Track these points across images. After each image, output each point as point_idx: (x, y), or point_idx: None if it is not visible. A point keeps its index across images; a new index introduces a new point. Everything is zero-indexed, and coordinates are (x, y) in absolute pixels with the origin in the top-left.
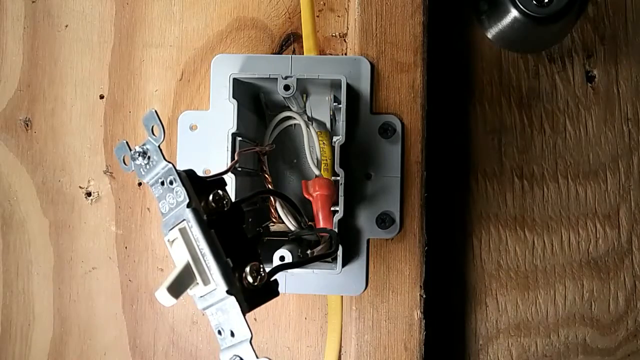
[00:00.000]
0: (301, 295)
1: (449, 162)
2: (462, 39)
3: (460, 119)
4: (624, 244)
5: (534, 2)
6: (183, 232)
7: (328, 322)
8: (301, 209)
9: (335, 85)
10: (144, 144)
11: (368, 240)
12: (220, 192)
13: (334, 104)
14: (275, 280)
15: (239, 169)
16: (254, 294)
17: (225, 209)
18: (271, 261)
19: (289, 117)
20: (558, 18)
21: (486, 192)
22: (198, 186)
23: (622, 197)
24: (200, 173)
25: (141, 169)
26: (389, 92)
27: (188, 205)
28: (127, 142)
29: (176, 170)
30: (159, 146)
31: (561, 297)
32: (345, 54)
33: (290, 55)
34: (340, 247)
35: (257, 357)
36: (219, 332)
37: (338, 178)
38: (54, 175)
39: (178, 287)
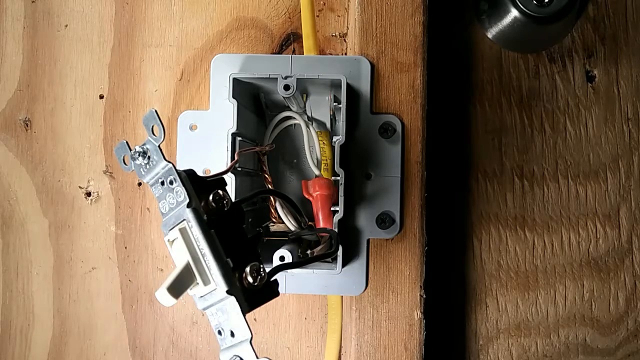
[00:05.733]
0: (301, 295)
1: (449, 162)
2: (462, 39)
3: (460, 119)
4: (624, 244)
5: (534, 2)
6: (183, 232)
7: (328, 322)
8: (301, 209)
9: (335, 85)
10: (144, 144)
11: (368, 240)
12: (220, 192)
13: (334, 103)
14: (276, 280)
15: (239, 169)
16: (254, 294)
17: (226, 209)
18: (271, 261)
19: (289, 117)
20: (558, 18)
21: (486, 192)
22: (198, 186)
23: (623, 197)
24: (200, 173)
25: (141, 169)
26: (389, 92)
27: (188, 205)
28: (127, 142)
29: (176, 170)
30: (159, 146)
31: (561, 297)
32: (345, 54)
33: (290, 55)
34: (340, 247)
35: (257, 357)
36: (219, 332)
37: (338, 178)
38: (53, 175)
39: (178, 287)
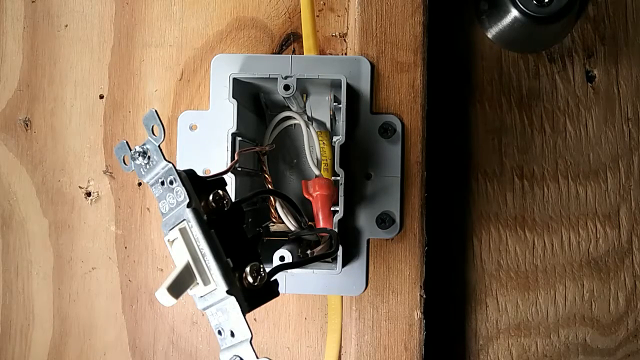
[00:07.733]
0: (301, 295)
1: (449, 162)
2: (462, 39)
3: (460, 119)
4: (624, 244)
5: (534, 2)
6: (183, 232)
7: (328, 322)
8: (301, 209)
9: (335, 85)
10: (144, 144)
11: (368, 240)
12: (220, 192)
13: (334, 103)
14: (276, 280)
15: (239, 169)
16: (254, 294)
17: (226, 209)
18: (271, 261)
19: (289, 117)
20: (558, 18)
21: (486, 192)
22: (198, 186)
23: (623, 197)
24: (200, 173)
25: (141, 169)
26: (389, 92)
27: (188, 205)
28: (127, 142)
29: (176, 170)
30: (159, 146)
31: (561, 297)
32: (345, 54)
33: (290, 55)
34: (340, 247)
35: (257, 357)
36: (219, 332)
37: (338, 178)
38: (53, 175)
39: (178, 287)
